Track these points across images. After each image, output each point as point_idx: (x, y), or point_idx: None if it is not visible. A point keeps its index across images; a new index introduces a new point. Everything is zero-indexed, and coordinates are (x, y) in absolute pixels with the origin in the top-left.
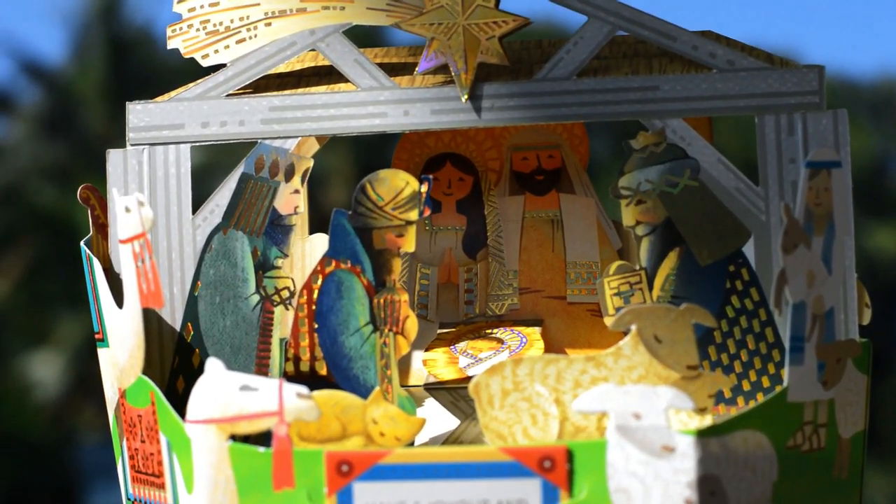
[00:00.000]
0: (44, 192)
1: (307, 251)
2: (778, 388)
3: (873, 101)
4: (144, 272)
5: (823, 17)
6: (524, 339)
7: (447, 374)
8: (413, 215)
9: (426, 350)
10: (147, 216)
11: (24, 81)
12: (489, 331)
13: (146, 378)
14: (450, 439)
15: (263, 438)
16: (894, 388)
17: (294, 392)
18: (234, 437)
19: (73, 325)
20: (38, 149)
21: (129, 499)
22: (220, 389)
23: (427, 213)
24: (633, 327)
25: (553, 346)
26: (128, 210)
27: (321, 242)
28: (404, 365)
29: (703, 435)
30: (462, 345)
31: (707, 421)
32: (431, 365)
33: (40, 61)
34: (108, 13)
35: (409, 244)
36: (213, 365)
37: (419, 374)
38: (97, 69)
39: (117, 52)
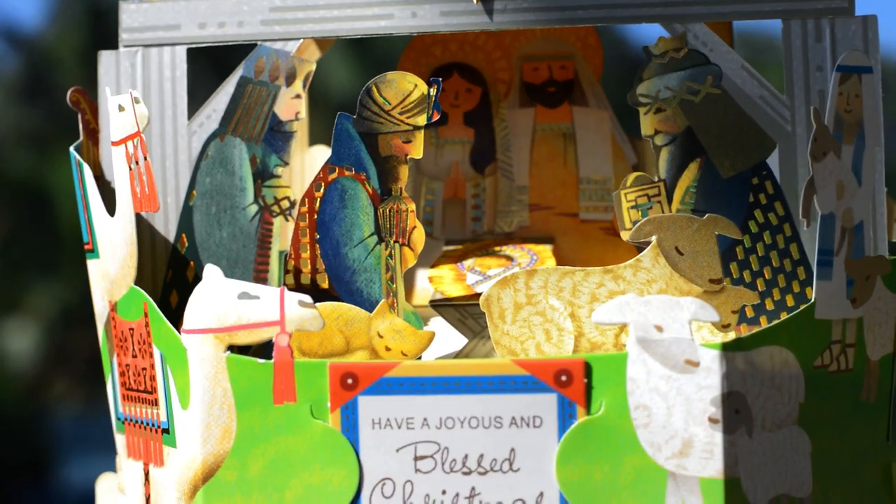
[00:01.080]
0: (19, 160)
1: (307, 164)
2: (803, 308)
3: None
4: (139, 174)
5: None
6: (535, 257)
7: (455, 290)
8: (421, 120)
9: (431, 267)
10: (142, 114)
11: (1, 48)
12: (498, 248)
13: (139, 288)
14: (458, 358)
15: (264, 350)
16: None
17: (296, 300)
18: (232, 348)
19: (47, 295)
20: (15, 116)
21: (119, 418)
22: (218, 297)
23: (436, 117)
24: (653, 238)
25: (564, 264)
26: (121, 108)
27: (322, 154)
28: (408, 283)
29: (728, 349)
30: (469, 262)
31: (731, 337)
32: (438, 282)
33: (17, 27)
34: None
35: (417, 150)
36: (210, 272)
37: (424, 293)
38: (75, 35)
39: (95, 19)
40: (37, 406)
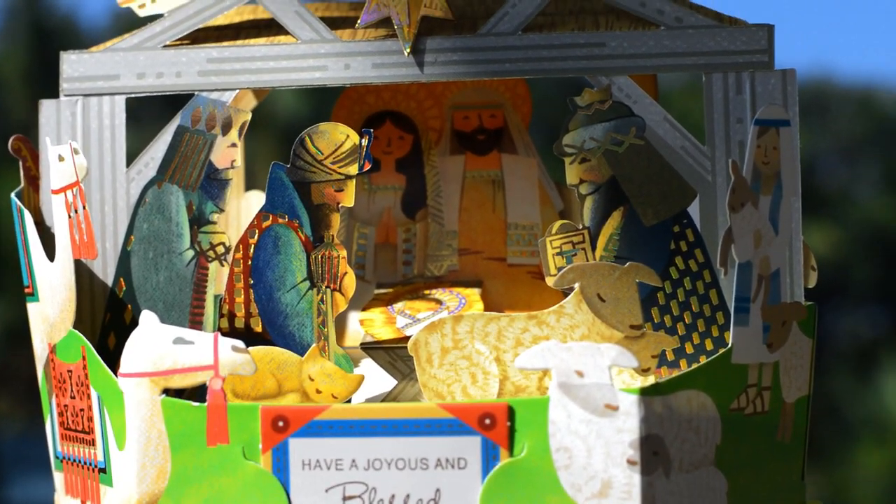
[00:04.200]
0: None
1: (242, 209)
2: (720, 352)
3: (802, 101)
4: (77, 222)
5: (756, 14)
6: (463, 300)
7: (384, 333)
8: (353, 169)
9: (363, 310)
10: (81, 164)
11: None
12: (427, 291)
13: (77, 332)
14: (387, 399)
15: (197, 394)
16: (824, 388)
17: (229, 345)
18: (167, 391)
19: None
20: None
21: (57, 457)
22: (154, 342)
23: (367, 167)
24: (576, 285)
25: (492, 308)
26: (61, 158)
27: (257, 200)
28: (340, 325)
29: (646, 394)
30: (400, 305)
31: (650, 381)
32: (368, 324)
33: None
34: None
35: (348, 199)
36: (147, 317)
37: (355, 335)
38: (20, 56)
39: (41, 40)
40: None
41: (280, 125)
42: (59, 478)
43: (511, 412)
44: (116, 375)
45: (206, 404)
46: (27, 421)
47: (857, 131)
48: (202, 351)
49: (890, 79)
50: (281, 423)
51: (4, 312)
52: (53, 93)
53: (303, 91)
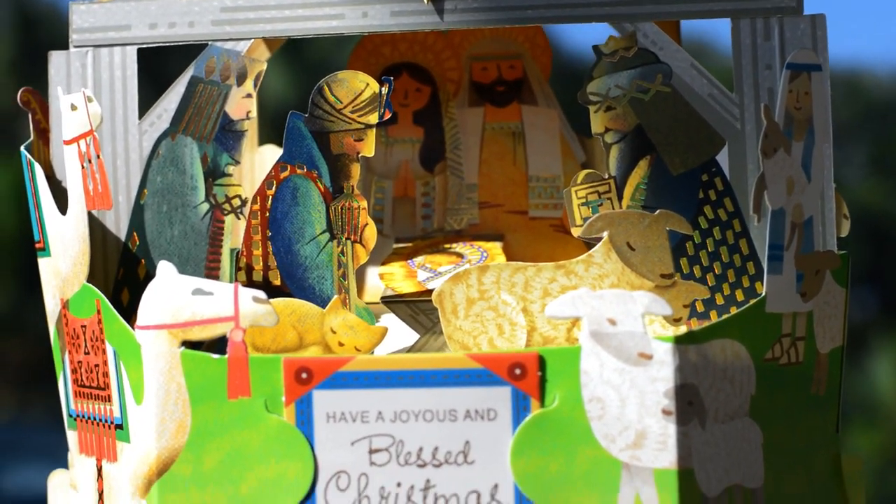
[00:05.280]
0: None
1: (257, 163)
2: (754, 302)
3: None
4: (91, 172)
5: None
6: (485, 254)
7: (406, 287)
8: (373, 118)
9: (382, 265)
10: (95, 112)
11: None
12: (448, 245)
13: (91, 286)
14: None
15: (217, 346)
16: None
17: (250, 296)
18: (186, 344)
19: None
20: None
21: (70, 415)
22: (172, 293)
23: (388, 116)
24: (605, 234)
25: (514, 261)
26: (74, 107)
27: (271, 155)
28: (359, 280)
29: (680, 342)
30: (420, 259)
31: (682, 331)
32: (389, 278)
33: None
34: None
35: (368, 148)
36: (165, 268)
37: (375, 290)
38: (4, 46)
39: (25, 29)
40: None
41: (268, 114)
42: (72, 437)
43: (542, 362)
44: (133, 329)
45: (226, 356)
46: (18, 409)
47: (844, 115)
48: (222, 302)
49: (876, 62)
50: (304, 375)
51: None
52: (39, 83)
53: (291, 76)
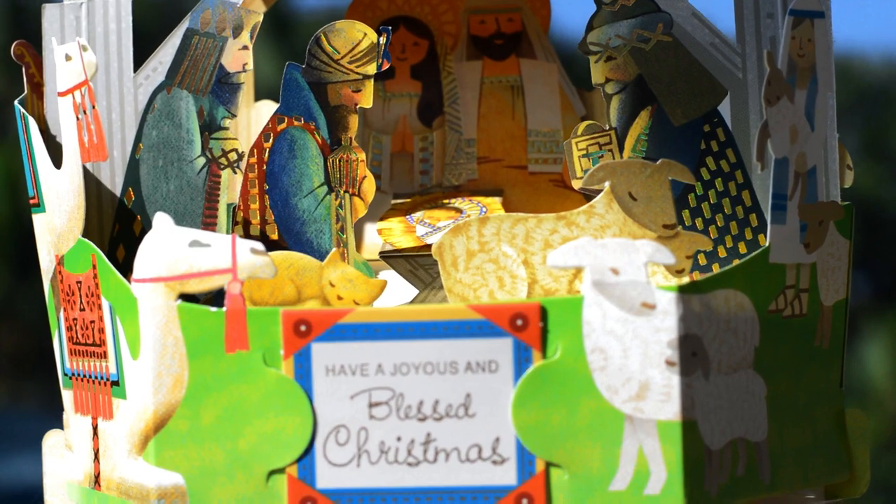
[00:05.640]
0: None
1: (253, 118)
2: (758, 252)
3: None
4: (87, 124)
5: None
6: (484, 209)
7: (404, 242)
8: (371, 69)
9: (380, 220)
10: (90, 61)
11: None
12: (447, 201)
13: (86, 241)
14: None
15: (214, 299)
16: None
17: (248, 247)
18: (183, 297)
19: None
20: None
21: (65, 374)
22: (169, 245)
23: (386, 66)
24: (606, 184)
25: None
26: (68, 57)
27: (268, 110)
28: (357, 236)
29: (684, 292)
30: (419, 214)
31: (685, 281)
32: (387, 234)
33: None
34: None
35: (366, 99)
36: (161, 220)
37: (373, 247)
38: None
39: (17, 15)
40: None
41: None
42: (67, 396)
43: (544, 312)
44: (129, 282)
45: (224, 309)
46: (10, 397)
47: (836, 100)
48: (219, 254)
49: (868, 48)
50: (303, 328)
51: None
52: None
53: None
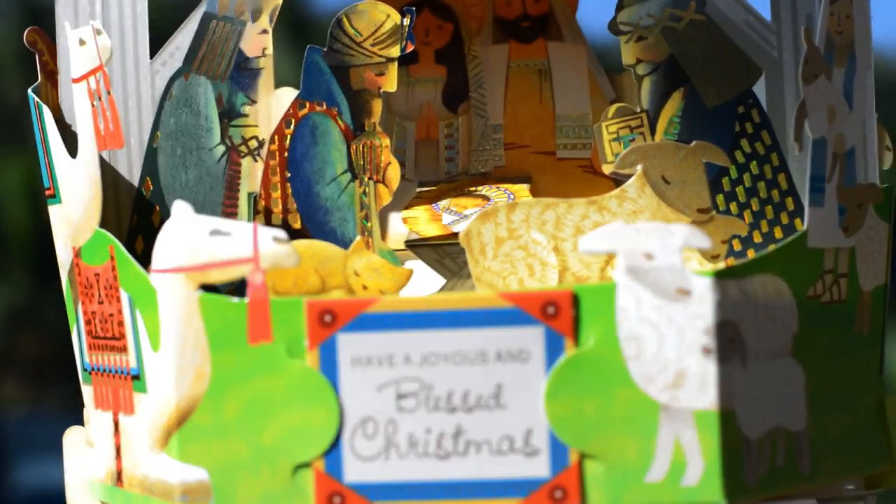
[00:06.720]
0: None
1: (273, 105)
2: (795, 236)
3: None
4: (102, 110)
5: None
6: (511, 196)
7: (431, 230)
8: (395, 51)
9: (405, 209)
10: (105, 45)
11: None
12: (473, 188)
13: (104, 231)
14: None
15: (236, 289)
16: None
17: (270, 236)
18: (204, 288)
19: None
20: None
21: (85, 369)
22: (189, 235)
23: (410, 48)
24: (639, 167)
25: None
26: (82, 42)
27: (288, 98)
28: (381, 226)
29: (720, 277)
30: (444, 202)
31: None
32: (413, 223)
33: None
34: None
35: (390, 83)
36: (180, 208)
37: (398, 237)
38: (11, 39)
39: (34, 21)
40: None
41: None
42: (87, 391)
43: (576, 300)
44: (148, 273)
45: (246, 300)
46: (32, 404)
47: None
48: (241, 243)
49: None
50: (328, 318)
51: (7, 295)
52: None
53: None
